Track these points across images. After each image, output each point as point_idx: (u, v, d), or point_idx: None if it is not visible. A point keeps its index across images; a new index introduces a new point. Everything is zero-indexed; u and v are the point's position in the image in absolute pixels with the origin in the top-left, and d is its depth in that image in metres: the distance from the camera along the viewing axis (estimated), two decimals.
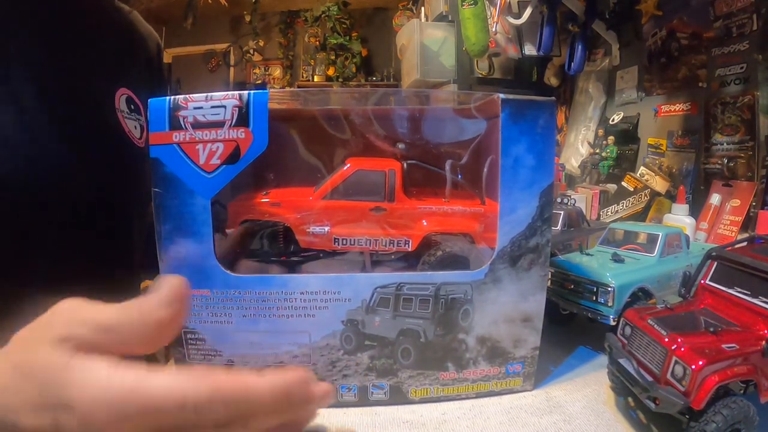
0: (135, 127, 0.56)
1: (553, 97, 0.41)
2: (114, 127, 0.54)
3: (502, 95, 0.39)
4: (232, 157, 0.38)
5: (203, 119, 0.37)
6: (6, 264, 0.44)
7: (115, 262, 0.54)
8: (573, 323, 0.61)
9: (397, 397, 0.42)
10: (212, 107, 0.37)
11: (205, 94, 0.38)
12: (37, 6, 0.47)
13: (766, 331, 0.36)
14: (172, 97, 0.37)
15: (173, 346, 0.41)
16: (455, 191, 0.46)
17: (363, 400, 0.42)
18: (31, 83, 0.45)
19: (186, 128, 0.37)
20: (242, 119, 0.38)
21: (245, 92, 0.38)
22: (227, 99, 0.38)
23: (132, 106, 0.57)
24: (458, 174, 0.47)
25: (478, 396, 0.43)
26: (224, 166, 0.38)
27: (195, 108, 0.37)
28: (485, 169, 0.45)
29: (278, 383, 0.23)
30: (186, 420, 0.21)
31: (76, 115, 0.49)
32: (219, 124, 0.37)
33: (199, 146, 0.37)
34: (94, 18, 0.55)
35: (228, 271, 0.39)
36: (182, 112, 0.37)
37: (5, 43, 0.44)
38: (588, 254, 0.59)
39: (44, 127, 0.45)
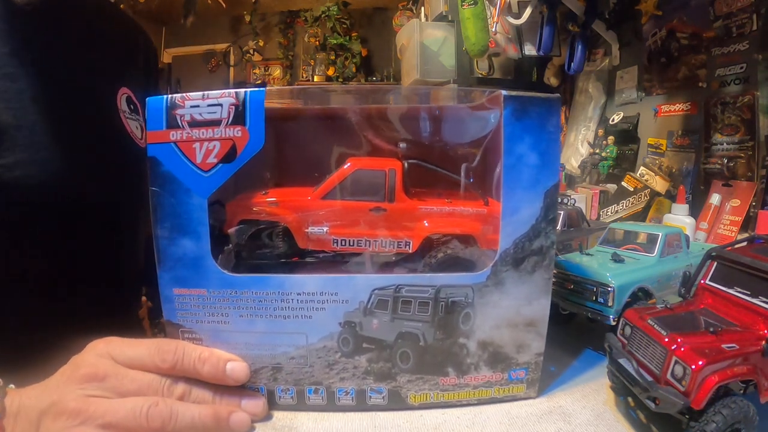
0: (136, 127, 0.56)
1: (558, 94, 0.40)
2: (117, 128, 0.53)
3: (504, 92, 0.38)
4: (229, 156, 0.37)
5: (200, 118, 0.37)
6: (5, 262, 0.43)
7: (119, 262, 0.54)
8: (573, 323, 0.60)
9: (396, 402, 0.41)
10: (209, 105, 0.37)
11: (202, 93, 0.37)
12: (44, 7, 0.47)
13: (766, 331, 0.35)
14: (170, 96, 0.37)
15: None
16: (458, 192, 0.46)
17: (361, 404, 0.41)
18: (38, 83, 0.45)
19: (183, 127, 0.37)
20: (239, 117, 0.37)
21: (242, 90, 0.37)
22: (224, 97, 0.37)
23: (132, 106, 0.57)
24: (462, 174, 0.46)
25: (480, 403, 0.42)
26: (221, 164, 0.37)
27: (192, 106, 0.37)
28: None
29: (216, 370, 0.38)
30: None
31: (79, 116, 0.48)
32: (216, 123, 0.37)
33: (196, 145, 0.37)
34: (98, 16, 0.54)
35: (224, 271, 0.38)
36: (179, 111, 0.37)
37: (17, 42, 0.44)
38: (588, 254, 0.59)
39: (45, 128, 0.45)
